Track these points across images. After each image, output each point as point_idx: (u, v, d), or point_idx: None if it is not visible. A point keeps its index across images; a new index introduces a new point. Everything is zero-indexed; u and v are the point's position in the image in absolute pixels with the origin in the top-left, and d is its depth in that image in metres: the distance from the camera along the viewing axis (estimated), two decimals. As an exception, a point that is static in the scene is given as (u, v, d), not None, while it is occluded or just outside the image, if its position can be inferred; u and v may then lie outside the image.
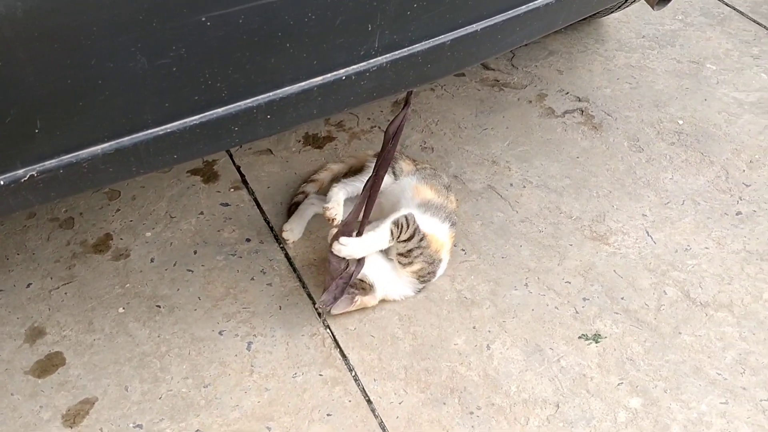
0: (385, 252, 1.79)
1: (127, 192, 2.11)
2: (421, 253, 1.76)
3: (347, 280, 1.72)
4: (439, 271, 1.86)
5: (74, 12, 0.99)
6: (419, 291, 1.84)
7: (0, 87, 1.00)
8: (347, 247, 1.69)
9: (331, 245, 1.70)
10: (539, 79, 2.52)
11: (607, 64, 2.58)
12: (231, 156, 2.24)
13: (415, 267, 1.77)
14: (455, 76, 2.52)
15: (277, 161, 2.22)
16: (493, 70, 2.54)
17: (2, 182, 1.11)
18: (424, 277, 1.81)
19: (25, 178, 1.12)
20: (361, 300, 1.77)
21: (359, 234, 1.72)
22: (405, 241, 1.74)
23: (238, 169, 2.20)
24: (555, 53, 2.62)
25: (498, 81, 2.51)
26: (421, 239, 1.76)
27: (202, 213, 2.07)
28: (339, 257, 1.70)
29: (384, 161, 1.70)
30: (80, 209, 2.06)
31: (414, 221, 1.75)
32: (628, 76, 2.54)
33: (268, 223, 2.04)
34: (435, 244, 1.80)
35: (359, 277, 1.74)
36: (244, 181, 2.16)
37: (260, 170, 2.20)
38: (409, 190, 1.89)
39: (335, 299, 1.73)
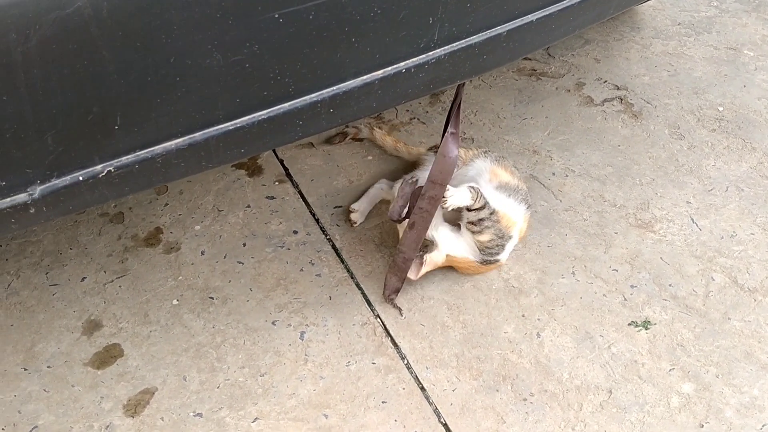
0: (452, 218, 1.85)
1: (175, 186, 2.14)
2: (491, 225, 1.79)
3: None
4: (509, 247, 1.87)
5: (157, 11, 1.01)
6: (482, 261, 1.85)
7: (85, 84, 1.03)
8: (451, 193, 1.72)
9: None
10: (576, 68, 2.52)
11: (644, 52, 2.58)
12: (274, 150, 2.26)
13: (484, 237, 1.80)
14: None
15: (319, 154, 2.25)
16: (530, 59, 2.55)
17: (81, 177, 1.14)
18: (490, 249, 1.83)
19: (103, 174, 1.15)
20: (429, 257, 1.80)
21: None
22: (477, 210, 1.76)
23: (281, 162, 2.22)
24: (591, 42, 2.62)
25: (535, 70, 2.51)
26: (492, 213, 1.79)
27: (248, 206, 2.09)
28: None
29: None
30: (129, 204, 2.10)
31: (482, 194, 1.77)
32: (665, 63, 2.53)
33: (313, 215, 2.07)
34: (506, 221, 1.83)
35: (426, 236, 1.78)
36: (288, 175, 2.19)
37: (303, 163, 2.22)
38: (486, 173, 1.92)
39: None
